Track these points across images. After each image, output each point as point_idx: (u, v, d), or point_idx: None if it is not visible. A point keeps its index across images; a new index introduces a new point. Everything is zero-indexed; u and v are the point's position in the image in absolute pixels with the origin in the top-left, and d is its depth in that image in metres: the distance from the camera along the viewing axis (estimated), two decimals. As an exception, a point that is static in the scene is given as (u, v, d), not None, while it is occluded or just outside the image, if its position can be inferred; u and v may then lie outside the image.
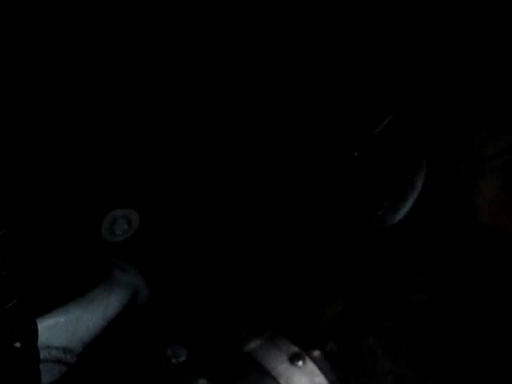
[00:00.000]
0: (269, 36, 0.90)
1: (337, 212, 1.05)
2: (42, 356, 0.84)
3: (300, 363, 0.96)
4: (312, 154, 1.01)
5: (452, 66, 1.09)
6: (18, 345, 0.76)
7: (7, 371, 0.73)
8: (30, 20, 0.67)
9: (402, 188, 1.09)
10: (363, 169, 1.01)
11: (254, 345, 0.99)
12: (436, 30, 1.01)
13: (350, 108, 1.00)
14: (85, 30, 0.72)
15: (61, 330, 1.07)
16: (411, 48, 0.98)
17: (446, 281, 1.60)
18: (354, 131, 1.00)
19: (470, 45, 1.08)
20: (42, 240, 0.78)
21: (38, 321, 0.76)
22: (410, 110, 1.03)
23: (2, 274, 0.64)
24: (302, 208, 1.04)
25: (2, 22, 0.66)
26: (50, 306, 1.06)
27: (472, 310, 1.60)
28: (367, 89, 0.99)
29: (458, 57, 1.09)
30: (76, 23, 0.56)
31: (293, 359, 0.97)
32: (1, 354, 0.72)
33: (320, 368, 0.97)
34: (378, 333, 1.56)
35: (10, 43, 0.67)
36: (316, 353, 0.99)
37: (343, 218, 1.06)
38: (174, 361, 1.04)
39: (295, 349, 0.98)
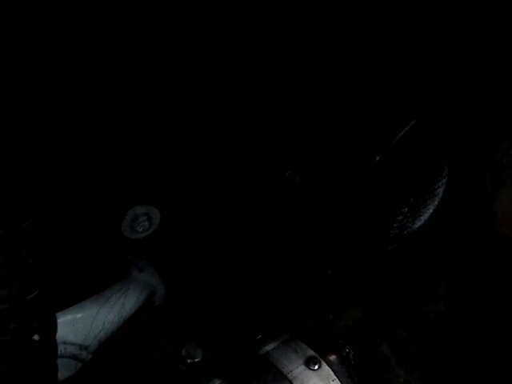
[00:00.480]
0: (301, 36, 0.90)
1: (356, 216, 1.05)
2: (57, 351, 0.84)
3: (316, 367, 0.96)
4: (334, 156, 1.00)
5: (477, 74, 1.08)
6: (36, 337, 0.77)
7: (25, 364, 0.74)
8: (31, 19, 0.68)
9: (422, 194, 1.09)
10: (384, 174, 1.01)
11: (270, 347, 0.98)
12: (462, 37, 1.01)
13: (372, 112, 1.00)
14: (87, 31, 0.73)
15: (77, 326, 1.07)
16: (437, 53, 0.98)
17: (464, 292, 1.59)
18: (376, 135, 0.99)
19: (494, 53, 1.07)
20: (63, 234, 0.78)
21: (55, 316, 0.76)
22: (434, 116, 1.02)
23: (26, 263, 0.64)
24: (321, 211, 1.04)
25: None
26: (67, 303, 1.06)
27: (490, 323, 1.58)
28: (391, 93, 0.99)
29: (483, 66, 1.08)
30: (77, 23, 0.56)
31: (308, 363, 0.96)
32: (20, 346, 0.72)
33: (336, 372, 0.96)
34: (394, 342, 1.55)
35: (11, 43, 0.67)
36: (332, 357, 0.98)
37: (363, 223, 1.06)
38: (188, 361, 1.04)
39: (311, 352, 0.98)
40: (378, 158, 1.00)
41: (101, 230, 0.93)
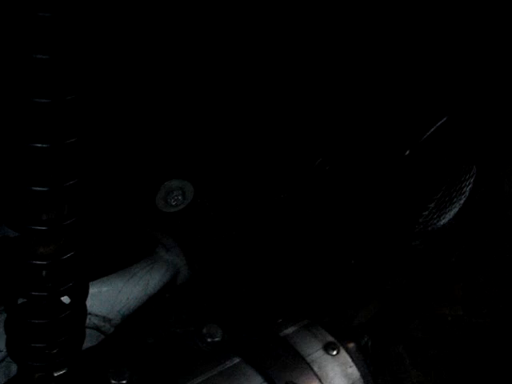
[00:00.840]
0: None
1: (383, 208, 1.06)
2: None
3: (334, 352, 0.97)
4: (364, 148, 1.02)
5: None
6: (67, 300, 0.79)
7: (56, 322, 0.76)
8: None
9: (449, 192, 1.10)
10: (413, 168, 1.02)
11: (290, 330, 1.00)
12: (497, 40, 1.02)
13: (405, 106, 1.01)
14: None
15: (102, 299, 1.10)
16: (472, 54, 0.99)
17: (483, 297, 1.59)
18: (407, 130, 1.01)
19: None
20: (96, 205, 0.81)
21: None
22: (466, 115, 1.03)
23: (66, 223, 0.67)
24: (349, 201, 1.05)
25: None
26: (94, 275, 1.09)
27: (507, 331, 1.58)
28: (424, 88, 1.00)
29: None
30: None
31: (327, 348, 0.98)
32: (52, 304, 0.75)
33: (353, 359, 0.98)
34: (409, 342, 1.56)
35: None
36: (351, 345, 1.00)
37: (389, 215, 1.07)
38: (208, 340, 1.05)
39: (330, 338, 0.99)
40: (408, 152, 1.01)
41: (134, 202, 0.95)
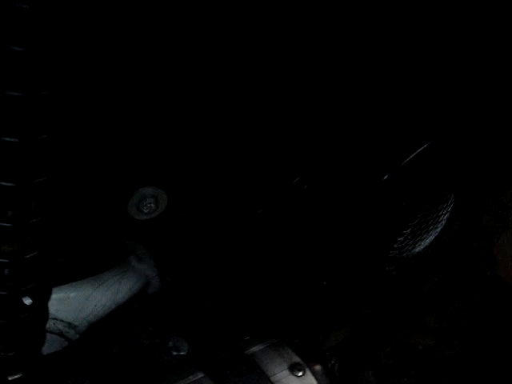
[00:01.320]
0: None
1: (359, 231, 1.05)
2: (46, 326, 0.85)
3: (300, 373, 0.96)
4: (343, 169, 1.01)
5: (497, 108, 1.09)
6: (29, 301, 0.77)
7: (15, 323, 0.74)
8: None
9: (426, 219, 1.09)
10: (391, 193, 1.02)
11: (256, 348, 0.99)
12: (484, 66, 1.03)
13: (387, 130, 1.01)
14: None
15: (69, 304, 1.08)
16: (457, 80, 1.00)
17: (455, 328, 1.58)
18: (387, 154, 1.01)
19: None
20: (67, 210, 0.79)
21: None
22: (447, 143, 1.03)
23: (31, 221, 0.65)
24: (324, 221, 1.05)
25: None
26: (62, 280, 1.07)
27: (478, 362, 1.58)
28: (408, 114, 1.00)
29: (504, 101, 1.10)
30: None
31: (293, 369, 0.96)
32: (13, 304, 0.73)
33: (319, 382, 0.96)
34: (379, 369, 1.54)
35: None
36: (317, 367, 0.98)
37: (364, 238, 1.06)
38: (174, 353, 1.04)
39: (297, 359, 0.98)
40: (386, 177, 1.01)
41: (106, 206, 0.94)
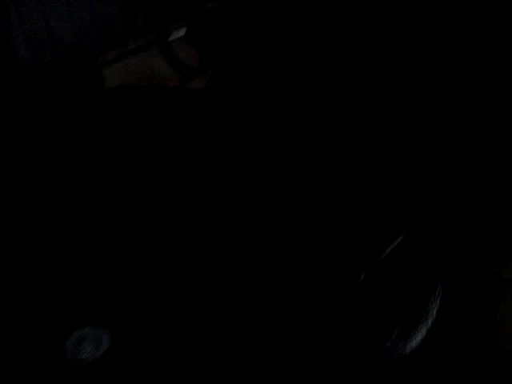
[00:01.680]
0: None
1: (339, 341, 0.94)
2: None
3: None
4: (312, 274, 0.91)
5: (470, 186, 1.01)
6: None
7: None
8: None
9: (413, 316, 0.98)
10: (370, 294, 0.91)
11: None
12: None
13: (357, 224, 0.91)
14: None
15: None
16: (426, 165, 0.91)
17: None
18: (360, 251, 0.90)
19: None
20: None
21: None
22: (423, 230, 0.94)
23: None
24: (298, 334, 0.93)
25: None
26: None
27: None
28: (377, 205, 0.91)
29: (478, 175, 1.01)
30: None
31: None
32: None
33: None
34: None
35: None
36: None
37: (346, 349, 0.95)
38: None
39: None
40: (362, 277, 0.90)
41: (40, 349, 0.82)
